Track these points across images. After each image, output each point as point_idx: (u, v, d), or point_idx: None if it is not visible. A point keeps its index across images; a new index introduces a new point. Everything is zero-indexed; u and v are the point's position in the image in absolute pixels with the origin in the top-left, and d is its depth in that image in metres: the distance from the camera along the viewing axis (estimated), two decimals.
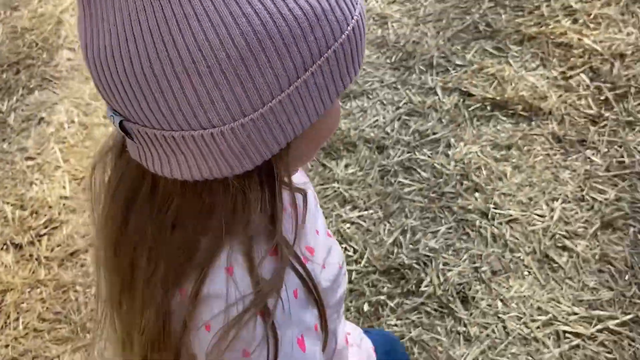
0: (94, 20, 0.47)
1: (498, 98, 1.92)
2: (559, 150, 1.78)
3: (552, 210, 1.65)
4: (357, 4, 0.50)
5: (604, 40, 1.97)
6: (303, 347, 0.57)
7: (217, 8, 0.43)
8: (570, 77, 1.92)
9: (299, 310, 0.58)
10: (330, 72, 0.48)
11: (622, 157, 1.71)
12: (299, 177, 0.72)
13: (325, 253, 0.67)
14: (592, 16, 2.06)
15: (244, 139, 0.47)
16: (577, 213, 1.63)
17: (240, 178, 0.51)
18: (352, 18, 0.49)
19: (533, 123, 1.85)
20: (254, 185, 0.52)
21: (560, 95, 1.89)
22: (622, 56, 1.92)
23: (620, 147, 1.73)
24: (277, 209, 0.54)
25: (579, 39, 1.99)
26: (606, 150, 1.74)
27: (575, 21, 2.06)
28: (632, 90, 1.83)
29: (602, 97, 1.84)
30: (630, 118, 1.78)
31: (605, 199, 1.63)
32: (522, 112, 1.88)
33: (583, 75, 1.91)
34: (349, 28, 0.48)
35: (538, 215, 1.65)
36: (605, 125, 1.79)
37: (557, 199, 1.67)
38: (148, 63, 0.44)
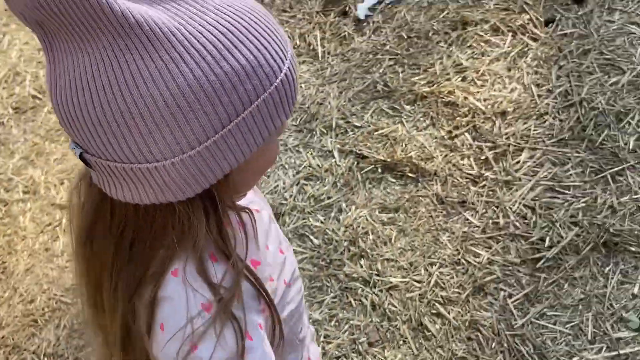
0: (57, 71, 0.53)
1: (389, 160, 1.91)
2: (441, 212, 1.76)
3: (430, 275, 1.63)
4: (286, 59, 0.57)
5: (488, 98, 1.96)
6: (249, 337, 0.62)
7: (158, 66, 0.50)
8: (456, 136, 1.91)
9: (244, 310, 0.63)
10: (260, 117, 0.55)
11: (498, 218, 1.69)
12: (252, 198, 0.77)
13: (273, 268, 0.72)
14: (480, 73, 2.05)
15: (183, 171, 0.54)
16: (452, 278, 1.61)
17: (184, 203, 0.58)
18: (281, 72, 0.56)
19: (419, 184, 1.84)
20: (198, 209, 0.59)
21: (446, 155, 1.87)
22: (503, 114, 1.91)
23: (497, 207, 1.71)
24: (223, 228, 0.62)
25: (465, 98, 1.98)
26: (484, 211, 1.72)
27: (464, 79, 2.05)
28: (511, 148, 1.82)
29: (483, 157, 1.83)
30: (509, 177, 1.76)
31: (478, 263, 1.61)
32: (409, 174, 1.86)
33: (467, 135, 1.90)
34: (277, 80, 0.55)
35: (416, 281, 1.63)
36: (485, 185, 1.77)
37: (435, 264, 1.65)
38: (101, 109, 0.51)
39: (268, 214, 0.78)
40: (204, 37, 0.52)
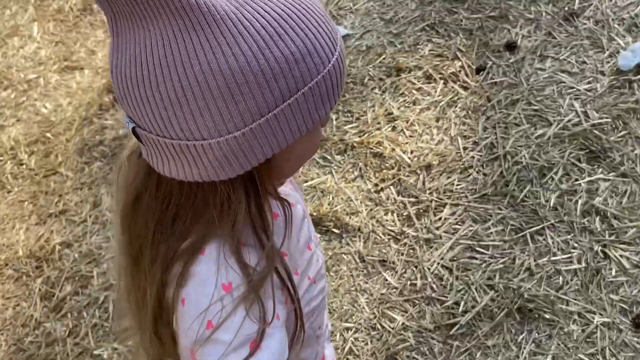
0: (119, 48, 0.54)
1: (315, 214, 1.82)
2: (362, 271, 1.67)
3: (345, 341, 1.53)
4: (335, 50, 0.56)
5: (415, 150, 1.88)
6: (269, 323, 0.60)
7: (212, 47, 0.50)
8: (382, 189, 1.82)
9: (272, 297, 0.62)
10: (306, 105, 0.54)
11: (416, 279, 1.60)
12: (289, 191, 0.75)
13: (299, 262, 0.71)
14: (409, 123, 1.96)
15: (227, 151, 0.54)
16: (366, 344, 1.52)
17: (227, 183, 0.58)
18: (329, 62, 0.55)
19: (343, 241, 1.75)
20: (238, 190, 0.58)
21: (371, 210, 1.78)
22: (428, 167, 1.82)
23: (416, 267, 1.62)
24: (264, 213, 0.61)
25: (393, 149, 1.89)
26: (403, 270, 1.63)
27: (394, 129, 1.97)
28: (434, 204, 1.73)
29: (406, 213, 1.74)
30: (429, 235, 1.67)
31: (393, 328, 1.52)
32: (334, 229, 1.77)
33: (392, 188, 1.81)
34: (325, 70, 0.55)
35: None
36: (405, 243, 1.68)
37: (351, 329, 1.55)
38: (156, 85, 0.52)
39: (302, 208, 0.76)
40: (258, 22, 0.52)
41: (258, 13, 0.52)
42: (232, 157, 0.55)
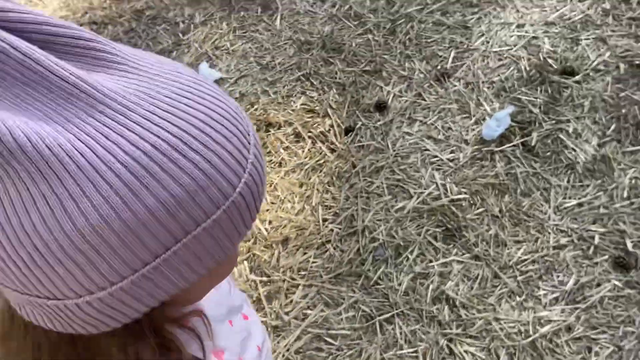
0: None
1: None
2: None
3: None
4: (243, 174, 0.41)
5: (274, 219, 1.72)
6: None
7: (49, 201, 0.37)
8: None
9: None
10: (202, 247, 0.40)
11: None
12: None
13: (240, 340, 0.63)
14: (273, 187, 1.81)
15: (90, 312, 0.41)
16: None
17: (105, 333, 0.43)
18: (234, 192, 0.40)
19: None
20: (124, 334, 0.44)
21: None
22: (285, 241, 1.67)
23: None
24: (169, 342, 0.49)
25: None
26: None
27: None
28: (286, 284, 1.58)
29: (257, 294, 1.58)
30: (278, 322, 1.52)
31: None
32: None
33: (245, 264, 1.64)
34: (225, 204, 0.40)
35: None
36: None
37: None
38: None
39: (227, 281, 0.66)
40: (119, 162, 0.37)
41: (122, 150, 0.37)
42: (99, 316, 0.42)
